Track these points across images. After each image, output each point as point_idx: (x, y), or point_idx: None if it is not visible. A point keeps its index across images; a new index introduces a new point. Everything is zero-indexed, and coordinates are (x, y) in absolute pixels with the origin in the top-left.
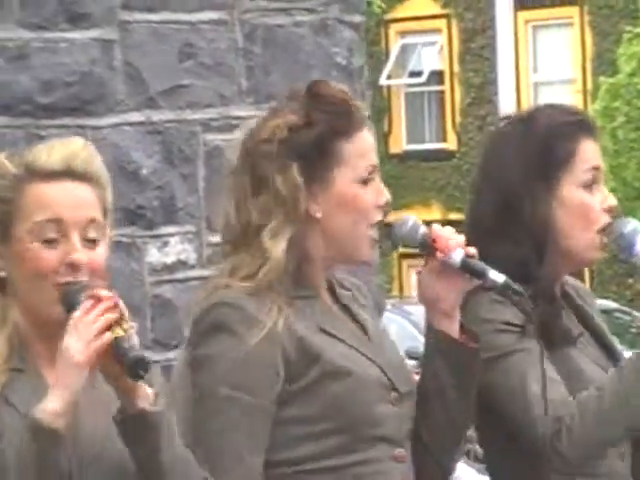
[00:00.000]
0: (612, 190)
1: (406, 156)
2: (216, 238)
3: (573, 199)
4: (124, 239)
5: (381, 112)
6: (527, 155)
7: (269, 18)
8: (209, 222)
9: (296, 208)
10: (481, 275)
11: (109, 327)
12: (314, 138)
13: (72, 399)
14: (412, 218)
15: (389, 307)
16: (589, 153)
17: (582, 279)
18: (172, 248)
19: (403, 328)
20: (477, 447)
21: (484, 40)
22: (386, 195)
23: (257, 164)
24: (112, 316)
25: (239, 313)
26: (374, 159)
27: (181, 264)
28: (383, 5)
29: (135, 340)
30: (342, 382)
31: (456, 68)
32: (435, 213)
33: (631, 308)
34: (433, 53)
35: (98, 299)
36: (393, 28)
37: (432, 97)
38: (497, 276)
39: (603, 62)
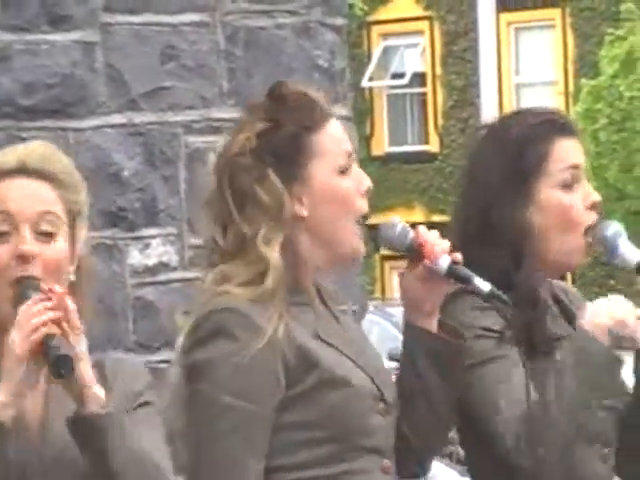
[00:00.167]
0: None
1: (388, 158)
2: (198, 240)
3: (551, 200)
4: (106, 241)
5: (363, 114)
6: (501, 162)
7: (251, 20)
8: (191, 224)
9: (282, 212)
10: (467, 282)
11: (46, 323)
12: (283, 138)
13: (15, 391)
14: (400, 223)
15: (371, 309)
16: (564, 152)
17: (564, 281)
18: (154, 250)
19: (385, 330)
20: (459, 449)
21: (466, 42)
22: (367, 182)
23: (235, 180)
24: (52, 314)
25: (241, 319)
26: (348, 146)
27: (163, 266)
28: (365, 7)
29: (79, 342)
30: (339, 391)
31: (438, 70)
32: (418, 215)
33: None
34: (415, 55)
35: (47, 294)
36: (375, 30)
37: (414, 99)
38: (482, 284)
39: (585, 64)
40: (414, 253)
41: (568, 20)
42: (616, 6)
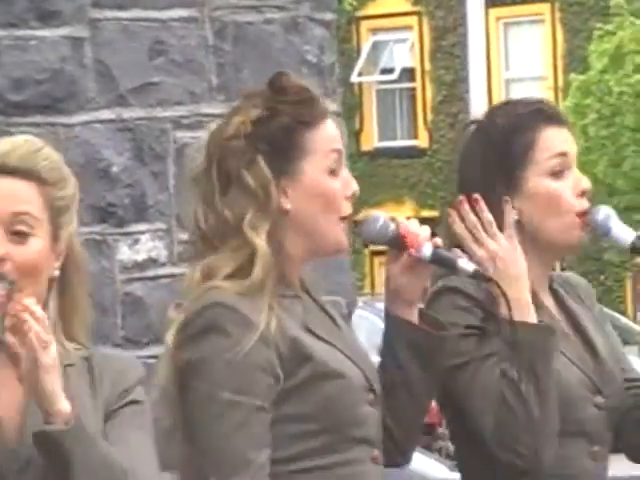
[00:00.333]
0: None
1: (377, 153)
2: (187, 236)
3: (539, 189)
4: (95, 237)
5: (352, 109)
6: (488, 153)
7: (239, 15)
8: (180, 219)
9: (268, 201)
10: (451, 265)
11: None
12: (279, 129)
13: None
14: (381, 216)
15: (360, 304)
16: (551, 141)
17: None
18: (143, 245)
19: (374, 325)
20: (449, 444)
21: (455, 37)
22: (354, 186)
23: (224, 162)
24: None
25: (233, 314)
26: (340, 148)
27: (152, 262)
28: (354, 2)
29: (47, 353)
30: (333, 383)
31: (427, 65)
32: (407, 210)
33: (601, 304)
34: (404, 50)
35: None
36: (364, 25)
37: (403, 94)
38: (467, 265)
39: (574, 59)
40: (397, 244)
41: (557, 15)
42: (605, 1)
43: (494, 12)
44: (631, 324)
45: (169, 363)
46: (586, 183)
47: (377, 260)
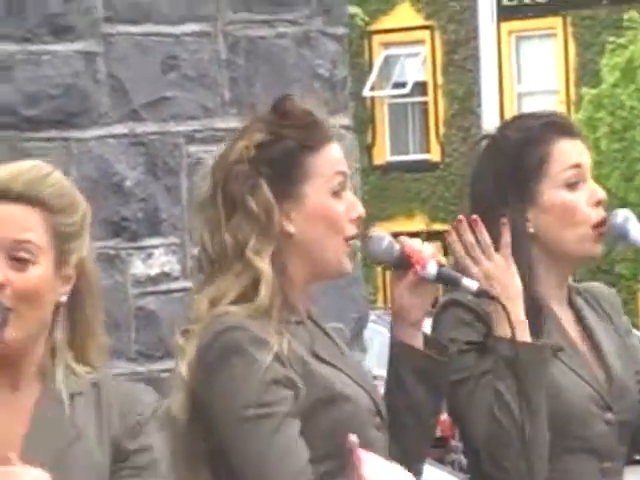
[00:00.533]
0: None
1: (390, 167)
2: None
3: (555, 201)
4: (108, 251)
5: (364, 123)
6: (502, 167)
7: (252, 30)
8: (192, 234)
9: (271, 226)
10: (455, 283)
11: None
12: (283, 153)
13: None
14: (386, 236)
15: (373, 318)
16: (565, 153)
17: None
18: (156, 260)
19: (387, 339)
20: (462, 457)
21: (467, 51)
22: (359, 209)
23: (229, 187)
24: None
25: (246, 334)
26: (345, 170)
27: (165, 276)
28: (366, 17)
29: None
30: (341, 407)
31: (439, 79)
32: (419, 224)
33: None
34: (416, 64)
35: None
36: (376, 39)
37: (416, 108)
38: (470, 283)
39: (586, 73)
40: (403, 263)
41: (569, 29)
42: (617, 14)
43: (506, 26)
44: None
45: (184, 393)
46: (601, 193)
47: (390, 274)
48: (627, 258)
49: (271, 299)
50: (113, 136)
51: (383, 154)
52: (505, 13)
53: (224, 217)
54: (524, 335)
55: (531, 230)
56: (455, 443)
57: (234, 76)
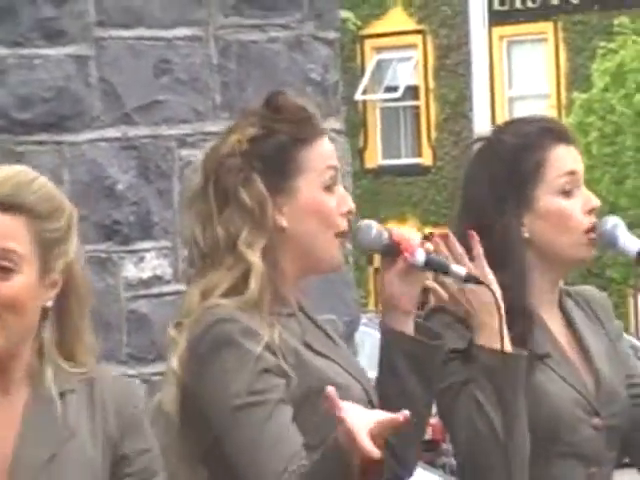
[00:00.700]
0: None
1: (381, 171)
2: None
3: (550, 207)
4: (100, 254)
5: (356, 127)
6: (497, 172)
7: (243, 34)
8: (183, 229)
9: (264, 219)
10: (444, 270)
11: None
12: (276, 147)
13: None
14: (374, 224)
15: (365, 321)
16: (561, 159)
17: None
18: (148, 263)
19: (378, 342)
20: (452, 460)
21: (459, 56)
22: (349, 203)
23: (221, 180)
24: None
25: (237, 326)
26: (336, 164)
27: (157, 279)
28: (358, 22)
29: None
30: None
31: (431, 84)
32: (410, 228)
33: None
34: (408, 69)
35: None
36: (368, 44)
37: (407, 112)
38: (459, 269)
39: (577, 77)
40: (392, 251)
41: (560, 34)
42: (608, 19)
43: (497, 31)
44: (634, 340)
45: (176, 386)
46: (595, 201)
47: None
48: (618, 262)
49: (261, 292)
50: (105, 140)
51: (375, 158)
52: (496, 18)
53: (216, 210)
54: (500, 343)
55: (526, 235)
56: (446, 446)
57: (226, 80)
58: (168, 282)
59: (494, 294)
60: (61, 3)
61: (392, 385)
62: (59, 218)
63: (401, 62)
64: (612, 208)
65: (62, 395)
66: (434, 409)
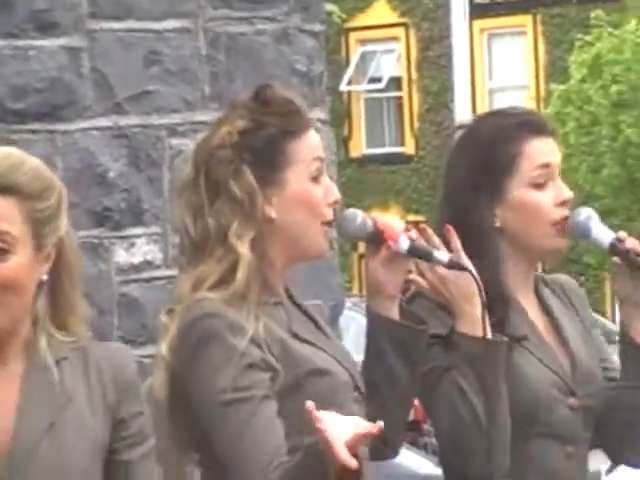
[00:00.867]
0: None
1: (366, 160)
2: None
3: (522, 199)
4: (92, 240)
5: (341, 117)
6: (473, 162)
7: (232, 27)
8: (173, 218)
9: (254, 211)
10: (428, 257)
11: None
12: (266, 140)
13: None
14: (359, 213)
15: (349, 305)
16: (536, 152)
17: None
18: (138, 249)
19: (363, 326)
20: (433, 440)
21: (441, 48)
22: (335, 193)
23: (211, 172)
24: None
25: (224, 321)
26: (322, 155)
27: (147, 264)
28: (343, 15)
29: None
30: (320, 381)
31: (414, 75)
32: (394, 215)
33: None
34: (392, 60)
35: None
36: (353, 36)
37: (391, 103)
38: (442, 255)
39: (555, 69)
40: (376, 239)
41: (539, 27)
42: (585, 12)
43: (478, 24)
44: (610, 325)
45: (165, 372)
46: (567, 193)
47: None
48: (594, 249)
49: (248, 283)
50: (97, 129)
51: (359, 147)
52: (477, 11)
53: (207, 202)
54: (481, 331)
55: (498, 224)
56: (427, 427)
57: (214, 71)
58: (158, 267)
59: (477, 280)
60: None
61: (379, 370)
62: (49, 197)
63: (385, 54)
64: (588, 196)
65: (57, 363)
66: None
